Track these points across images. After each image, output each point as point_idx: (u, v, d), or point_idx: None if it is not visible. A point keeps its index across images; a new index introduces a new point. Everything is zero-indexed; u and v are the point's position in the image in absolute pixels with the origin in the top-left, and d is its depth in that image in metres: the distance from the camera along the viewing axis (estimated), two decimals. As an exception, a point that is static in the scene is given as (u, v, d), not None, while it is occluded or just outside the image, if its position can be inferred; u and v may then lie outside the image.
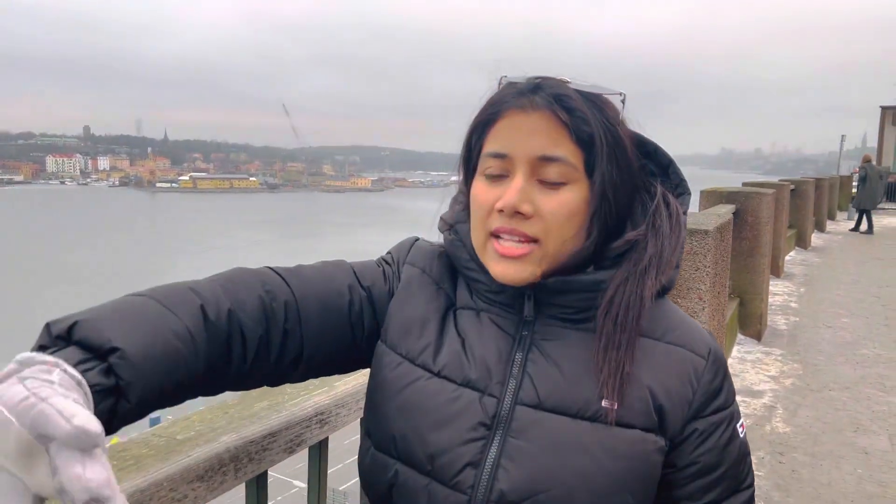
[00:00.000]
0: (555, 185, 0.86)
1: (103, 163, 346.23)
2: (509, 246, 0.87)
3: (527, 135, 0.86)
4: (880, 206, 24.22)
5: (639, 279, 0.88)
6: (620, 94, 0.90)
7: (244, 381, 0.88)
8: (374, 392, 0.96)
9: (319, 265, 0.98)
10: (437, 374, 0.90)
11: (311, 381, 1.31)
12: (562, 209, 0.86)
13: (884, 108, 30.21)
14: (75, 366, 0.66)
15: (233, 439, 1.06)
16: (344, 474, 15.35)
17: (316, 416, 1.21)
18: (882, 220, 19.49)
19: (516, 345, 0.90)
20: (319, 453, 1.29)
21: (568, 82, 0.88)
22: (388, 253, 1.06)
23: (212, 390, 0.85)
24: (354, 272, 0.98)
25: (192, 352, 0.78)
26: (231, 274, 0.90)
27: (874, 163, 19.38)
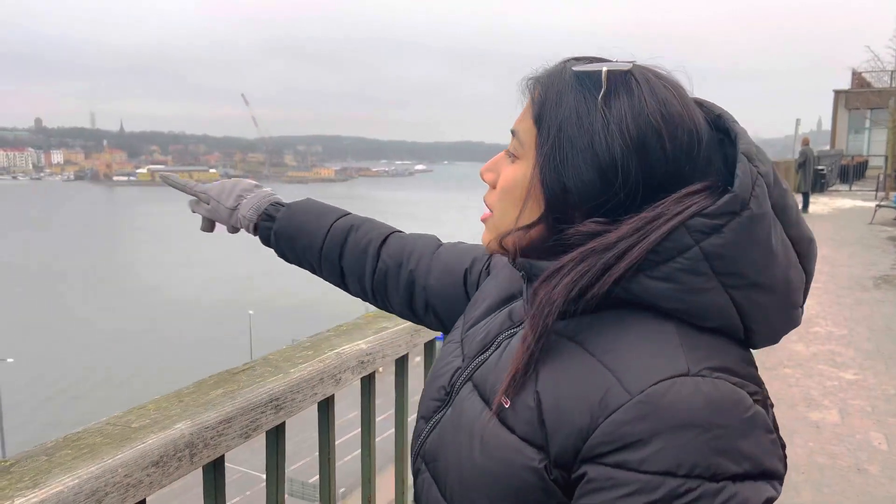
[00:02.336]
0: (512, 160, 0.84)
1: (57, 156, 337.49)
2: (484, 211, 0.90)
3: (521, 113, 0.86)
4: (833, 187, 24.93)
5: (564, 273, 0.76)
6: (600, 69, 0.77)
7: (384, 297, 1.22)
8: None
9: (471, 244, 1.21)
10: (461, 341, 0.97)
11: (266, 368, 1.33)
12: (502, 182, 0.84)
13: (837, 92, 30.94)
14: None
15: (188, 426, 1.08)
16: (313, 467, 15.43)
17: (271, 401, 1.23)
18: (835, 202, 20.06)
19: (508, 330, 0.89)
20: (277, 438, 1.32)
21: (593, 61, 0.80)
22: None
23: (346, 277, 1.24)
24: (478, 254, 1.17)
25: (321, 238, 1.23)
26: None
27: (824, 147, 19.89)
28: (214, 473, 1.17)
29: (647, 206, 0.75)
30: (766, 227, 0.73)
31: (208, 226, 1.36)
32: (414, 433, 0.96)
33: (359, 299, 1.29)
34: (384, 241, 1.22)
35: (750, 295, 0.73)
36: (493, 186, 0.86)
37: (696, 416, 0.66)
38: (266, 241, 1.29)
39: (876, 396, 5.14)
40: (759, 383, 0.73)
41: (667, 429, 0.66)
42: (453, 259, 1.18)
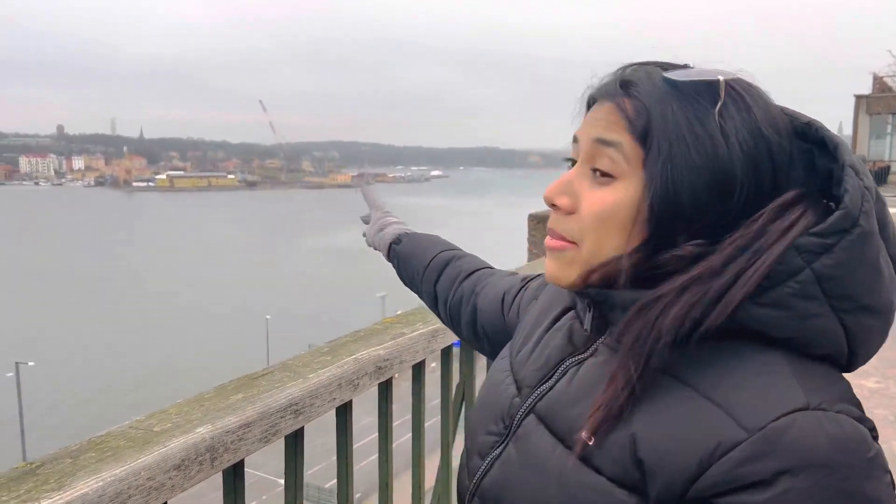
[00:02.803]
0: (603, 180, 0.75)
1: (78, 162, 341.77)
2: (552, 238, 0.79)
3: (592, 122, 0.78)
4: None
5: (667, 304, 0.69)
6: (716, 78, 0.72)
7: (455, 322, 1.30)
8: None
9: (512, 274, 1.27)
10: (511, 366, 0.91)
11: (286, 374, 1.35)
12: (598, 208, 0.74)
13: (857, 97, 30.65)
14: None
15: (209, 430, 1.09)
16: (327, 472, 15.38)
17: (290, 406, 1.25)
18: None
19: (571, 357, 0.82)
20: (296, 443, 1.33)
21: (668, 67, 0.76)
22: None
23: (437, 302, 1.34)
24: (528, 277, 1.17)
25: (424, 266, 1.35)
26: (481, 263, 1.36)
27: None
28: (234, 477, 1.18)
29: (742, 221, 0.69)
30: (875, 245, 0.68)
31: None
32: (464, 469, 0.89)
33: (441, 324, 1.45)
34: (470, 274, 1.30)
35: (859, 318, 0.68)
36: (570, 212, 0.77)
37: (822, 454, 0.61)
38: (392, 261, 1.45)
39: (898, 405, 5.08)
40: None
41: (791, 468, 0.60)
42: (499, 284, 1.21)
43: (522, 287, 1.15)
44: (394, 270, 1.45)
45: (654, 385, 0.70)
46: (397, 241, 1.43)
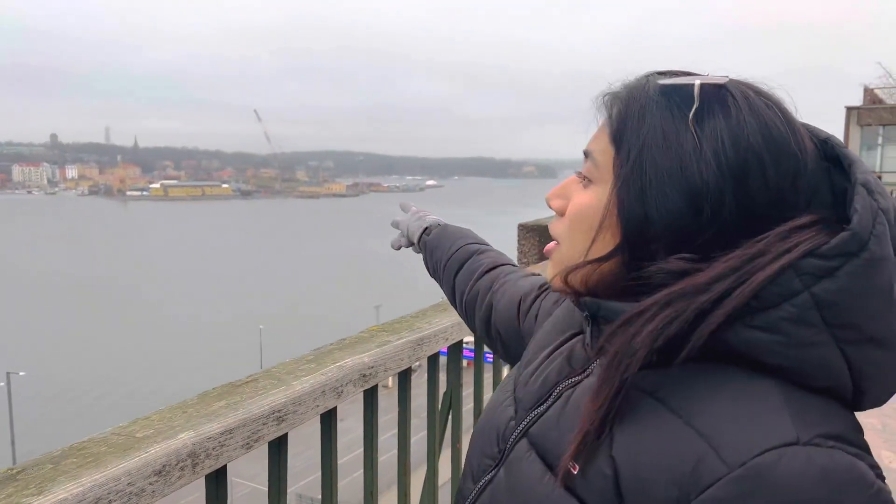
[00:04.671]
0: (585, 182, 0.76)
1: (71, 171, 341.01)
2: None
3: (595, 132, 0.78)
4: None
5: (646, 319, 0.65)
6: (692, 82, 0.69)
7: (470, 316, 1.32)
8: None
9: (532, 274, 1.27)
10: (514, 387, 0.88)
11: (269, 381, 1.35)
12: (573, 209, 0.76)
13: (849, 109, 30.86)
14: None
15: (190, 436, 1.10)
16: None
17: (272, 413, 1.25)
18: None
19: (568, 378, 0.79)
20: (279, 450, 1.34)
21: (672, 74, 0.73)
22: None
23: (455, 295, 1.36)
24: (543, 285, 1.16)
25: (448, 256, 1.38)
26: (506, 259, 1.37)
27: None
28: (217, 483, 1.19)
29: (744, 242, 0.64)
30: (888, 271, 0.62)
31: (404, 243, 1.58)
32: (458, 495, 0.88)
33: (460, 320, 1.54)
34: (491, 268, 1.30)
35: (865, 351, 0.62)
36: (562, 214, 0.78)
37: (811, 494, 0.55)
38: (421, 250, 1.49)
39: (887, 414, 5.10)
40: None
41: None
42: (517, 286, 1.20)
43: (539, 295, 1.13)
44: (424, 269, 1.49)
45: (635, 407, 0.66)
46: (428, 231, 1.46)
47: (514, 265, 1.34)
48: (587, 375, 0.76)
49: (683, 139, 0.67)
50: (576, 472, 0.67)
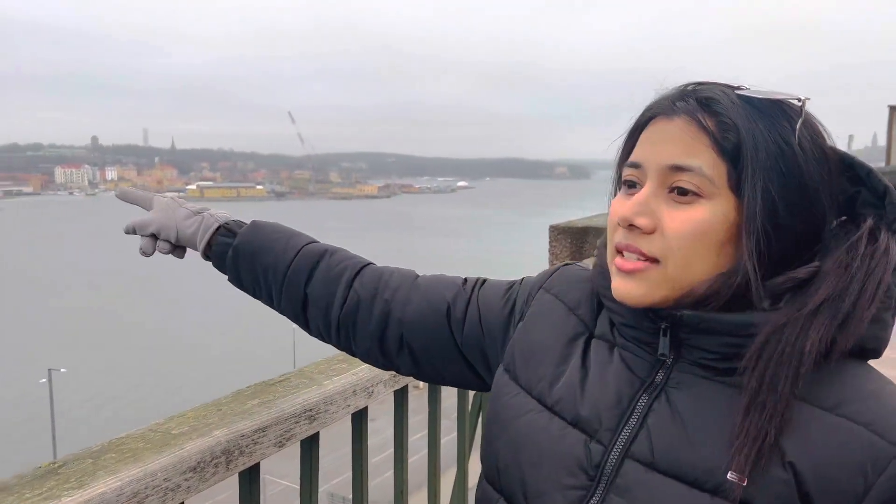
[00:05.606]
0: (685, 199, 0.75)
1: (111, 173, 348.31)
2: (626, 258, 0.78)
3: (662, 142, 0.77)
4: None
5: (802, 327, 0.70)
6: (799, 99, 0.75)
7: (350, 333, 1.07)
8: (491, 420, 0.92)
9: (451, 276, 1.09)
10: (550, 409, 0.84)
11: (302, 380, 1.37)
12: (687, 226, 0.74)
13: (892, 108, 30.02)
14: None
15: (224, 434, 1.12)
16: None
17: (304, 412, 1.27)
18: None
19: (643, 390, 0.79)
20: (311, 448, 1.36)
21: (735, 87, 0.77)
22: (537, 276, 1.02)
23: (310, 308, 1.09)
24: (480, 284, 1.04)
25: (290, 258, 1.08)
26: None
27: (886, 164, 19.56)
28: (250, 480, 1.21)
29: (814, 241, 0.77)
30: None
31: (151, 245, 1.17)
32: None
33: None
34: (360, 270, 1.08)
35: None
36: (649, 231, 0.77)
37: None
38: (220, 259, 1.12)
39: None
40: None
41: None
42: (435, 291, 1.04)
43: (471, 297, 1.02)
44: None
45: (789, 411, 0.71)
46: (225, 230, 1.12)
47: (375, 265, 1.12)
48: (665, 383, 0.78)
49: (795, 151, 0.74)
50: (744, 484, 0.69)
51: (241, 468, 1.15)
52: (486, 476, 0.91)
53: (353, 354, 1.11)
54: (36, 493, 0.91)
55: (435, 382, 1.13)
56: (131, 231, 1.16)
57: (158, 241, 1.16)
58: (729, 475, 0.70)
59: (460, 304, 1.02)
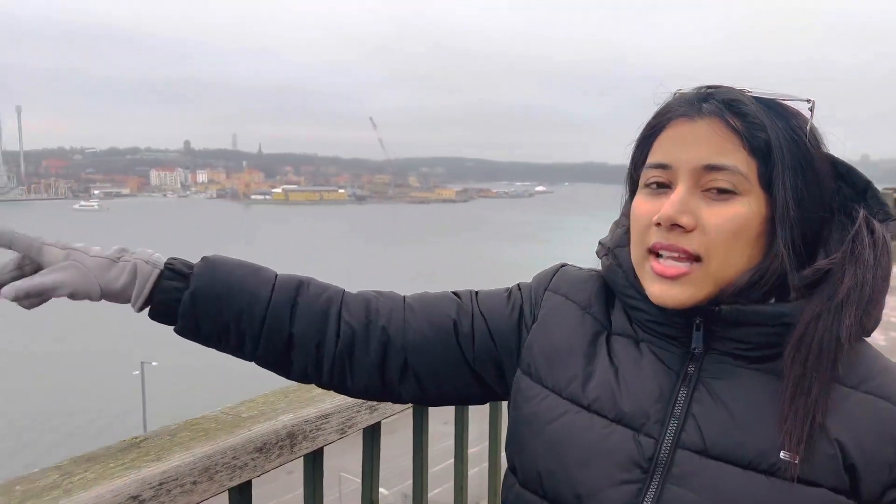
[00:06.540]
0: (722, 197, 0.78)
1: (202, 176, 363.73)
2: (668, 265, 0.79)
3: (692, 143, 0.79)
4: None
5: (834, 316, 0.76)
6: (808, 101, 0.81)
7: (345, 369, 0.96)
8: (519, 426, 0.92)
9: (444, 291, 1.02)
10: (587, 408, 0.84)
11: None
12: (728, 223, 0.77)
13: None
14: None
15: (290, 418, 1.19)
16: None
17: (366, 402, 1.33)
18: None
19: (680, 381, 0.81)
20: (372, 437, 1.41)
21: (746, 91, 0.81)
22: (531, 280, 1.02)
23: (297, 354, 0.95)
24: (476, 297, 1.00)
25: (266, 296, 0.94)
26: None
27: None
28: (314, 464, 1.28)
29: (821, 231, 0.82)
30: None
31: (34, 297, 0.87)
32: None
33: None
34: (342, 299, 0.98)
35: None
36: (690, 229, 0.79)
37: None
38: (167, 308, 0.93)
39: None
40: None
41: None
42: (435, 310, 0.98)
43: (474, 308, 0.99)
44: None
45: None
46: (173, 272, 0.93)
47: (354, 291, 1.01)
48: (699, 373, 0.81)
49: (811, 150, 0.80)
50: (797, 462, 0.74)
51: (305, 452, 1.21)
52: (523, 482, 0.89)
53: (345, 391, 0.99)
54: (119, 464, 1.00)
55: (437, 404, 1.06)
56: (22, 297, 0.86)
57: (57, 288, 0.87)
58: (781, 454, 0.75)
59: (465, 319, 0.97)
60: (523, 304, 0.98)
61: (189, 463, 1.02)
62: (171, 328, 0.94)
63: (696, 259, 0.79)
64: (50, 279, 0.87)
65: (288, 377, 1.00)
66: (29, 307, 0.88)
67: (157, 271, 0.92)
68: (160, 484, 0.97)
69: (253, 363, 0.97)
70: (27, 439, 30.09)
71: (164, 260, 0.94)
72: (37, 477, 0.94)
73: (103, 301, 0.91)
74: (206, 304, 0.92)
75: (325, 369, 0.97)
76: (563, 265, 1.02)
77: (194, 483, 1.01)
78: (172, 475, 0.99)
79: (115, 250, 0.92)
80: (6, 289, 0.86)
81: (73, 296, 0.88)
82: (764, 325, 0.78)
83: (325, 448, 1.27)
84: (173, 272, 0.93)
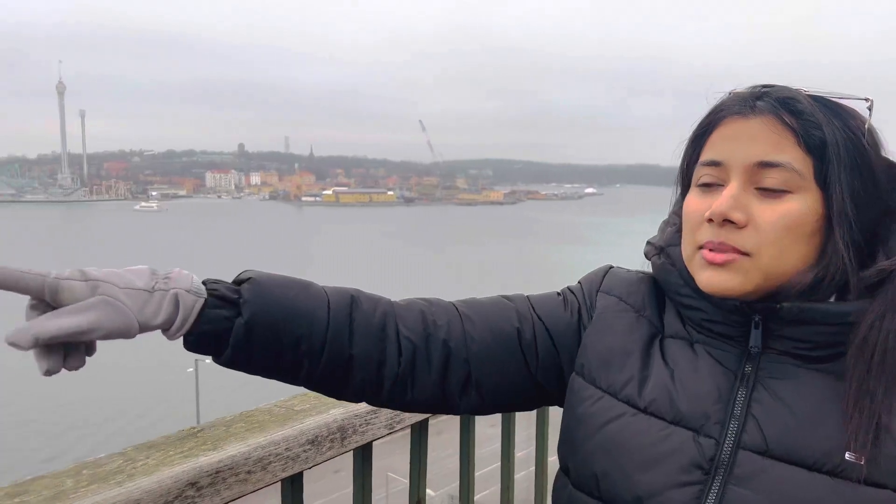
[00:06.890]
0: (776, 194, 0.78)
1: (255, 178, 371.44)
2: (717, 253, 0.80)
3: (745, 141, 0.79)
4: None
5: (889, 317, 0.76)
6: (866, 99, 0.81)
7: (406, 386, 0.92)
8: (572, 427, 0.91)
9: (494, 296, 1.01)
10: (644, 410, 0.84)
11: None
12: (781, 219, 0.78)
13: None
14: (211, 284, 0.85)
15: (341, 413, 1.22)
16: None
17: (414, 398, 1.35)
18: None
19: (738, 381, 0.81)
20: (420, 434, 1.43)
21: (802, 90, 0.81)
22: (578, 282, 1.02)
23: (357, 375, 0.90)
24: (530, 301, 0.99)
25: (324, 318, 0.87)
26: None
27: None
28: (363, 458, 1.30)
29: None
30: None
31: (57, 360, 0.72)
32: None
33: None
34: (396, 313, 0.93)
35: None
36: (742, 226, 0.79)
37: None
38: (209, 340, 0.83)
39: None
40: None
41: None
42: (496, 319, 0.95)
43: (533, 313, 0.97)
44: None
45: None
46: (218, 299, 0.83)
47: (403, 302, 0.97)
48: (756, 373, 0.80)
49: (868, 150, 0.80)
50: (863, 463, 0.73)
51: (355, 446, 1.24)
52: (576, 484, 0.89)
53: (402, 408, 0.96)
54: (178, 452, 1.04)
55: (490, 413, 1.04)
56: (46, 340, 0.69)
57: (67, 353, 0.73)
58: (847, 455, 0.74)
59: (526, 326, 0.95)
60: (580, 306, 0.98)
61: (244, 453, 1.06)
62: (211, 358, 0.85)
63: (746, 255, 0.79)
64: (85, 319, 0.71)
65: (339, 398, 0.94)
66: (51, 368, 0.70)
67: (201, 301, 0.81)
68: (216, 472, 1.01)
69: (300, 386, 0.92)
70: (90, 429, 31.50)
71: (205, 285, 0.83)
72: (103, 462, 0.99)
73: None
74: (261, 332, 0.83)
75: (386, 388, 0.92)
76: (611, 267, 1.02)
77: (248, 472, 1.05)
78: (228, 464, 1.03)
79: (146, 276, 0.78)
80: (22, 334, 0.68)
81: (107, 337, 0.74)
82: (826, 324, 0.78)
83: (373, 444, 1.29)
84: (218, 298, 0.83)
